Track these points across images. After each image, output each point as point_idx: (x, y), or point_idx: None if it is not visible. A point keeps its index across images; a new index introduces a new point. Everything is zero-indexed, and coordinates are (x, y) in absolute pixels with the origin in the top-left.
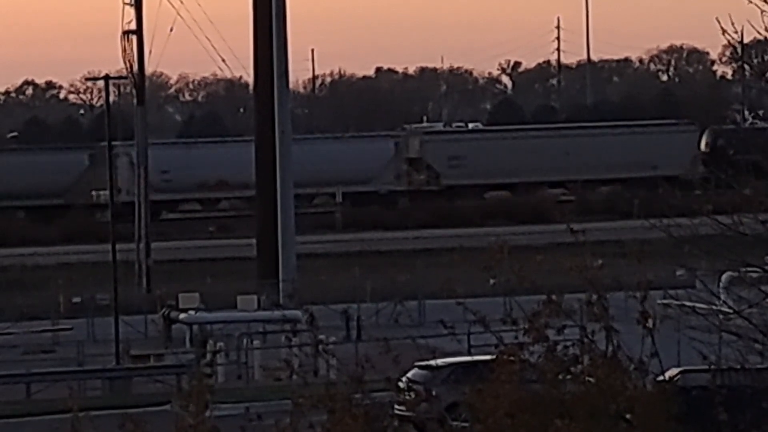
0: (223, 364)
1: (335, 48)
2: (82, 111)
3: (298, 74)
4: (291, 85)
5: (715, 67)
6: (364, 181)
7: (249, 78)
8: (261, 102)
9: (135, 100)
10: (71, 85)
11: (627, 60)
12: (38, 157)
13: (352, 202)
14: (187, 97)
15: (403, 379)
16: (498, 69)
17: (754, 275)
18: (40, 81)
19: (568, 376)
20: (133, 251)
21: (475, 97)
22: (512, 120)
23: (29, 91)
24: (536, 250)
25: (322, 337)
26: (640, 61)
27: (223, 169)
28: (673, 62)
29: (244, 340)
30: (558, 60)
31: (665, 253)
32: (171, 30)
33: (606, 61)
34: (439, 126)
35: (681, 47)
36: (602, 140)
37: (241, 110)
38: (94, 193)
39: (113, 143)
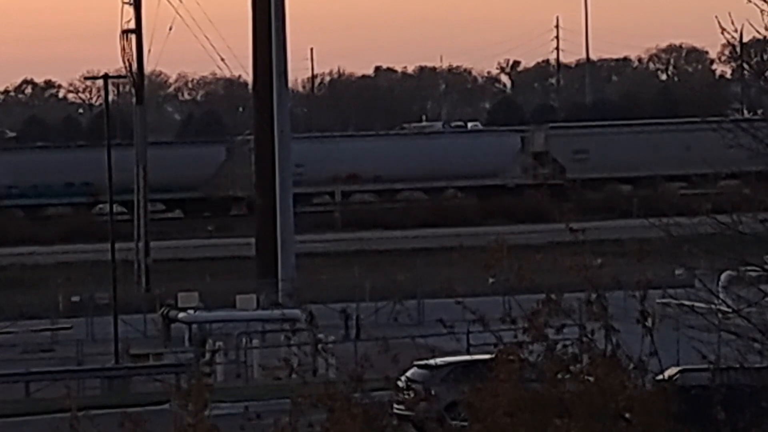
0: (222, 363)
1: (334, 47)
2: (81, 110)
3: (297, 73)
4: (290, 84)
5: (714, 66)
6: (492, 174)
7: (248, 77)
8: (260, 101)
9: (134, 99)
10: (70, 84)
11: (626, 59)
12: (177, 150)
13: (480, 195)
14: (186, 96)
15: (402, 378)
16: (497, 68)
17: (753, 274)
18: (39, 80)
19: (568, 376)
20: (132, 250)
21: (475, 96)
22: (511, 119)
23: (28, 90)
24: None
25: (321, 336)
26: (639, 60)
27: (355, 163)
28: (672, 61)
29: (243, 340)
30: (557, 59)
31: (664, 252)
32: (170, 29)
33: (605, 60)
34: (438, 125)
35: (680, 46)
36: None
37: (240, 109)
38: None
39: (249, 137)
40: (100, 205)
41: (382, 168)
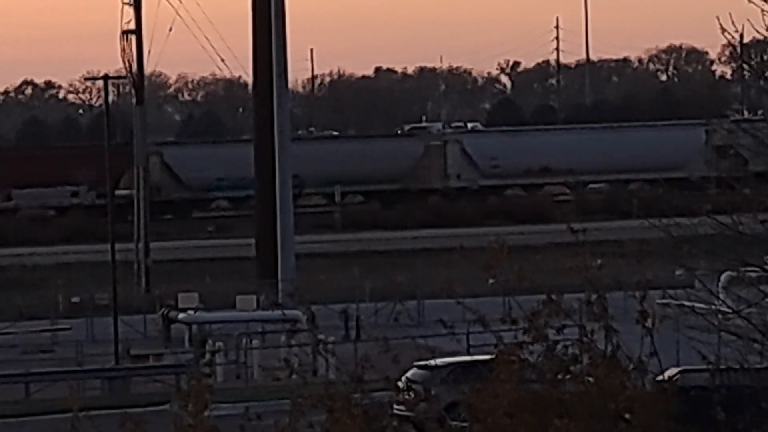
0: (222, 363)
1: (334, 48)
2: (81, 111)
3: (297, 74)
4: (290, 85)
5: (714, 67)
6: (675, 167)
7: (248, 78)
8: (260, 102)
9: (134, 100)
10: (70, 85)
11: (626, 60)
12: (378, 144)
13: (664, 187)
14: (186, 97)
15: (402, 378)
16: (497, 69)
17: (753, 275)
18: (40, 81)
19: (568, 376)
20: (132, 251)
21: (474, 96)
22: (511, 120)
23: (28, 90)
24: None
25: (321, 336)
26: (639, 60)
27: (547, 156)
28: (672, 62)
29: (243, 340)
30: (557, 60)
31: (664, 252)
32: (170, 30)
33: (605, 60)
34: (438, 126)
35: (680, 47)
36: None
37: (240, 110)
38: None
39: (446, 131)
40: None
41: (574, 161)
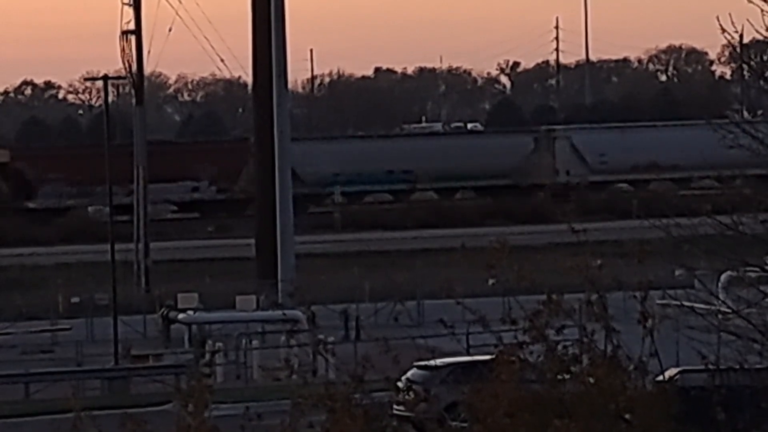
0: (221, 364)
1: (334, 48)
2: (80, 111)
3: (297, 74)
4: (290, 85)
5: (714, 67)
6: None
7: (248, 78)
8: (260, 102)
9: (134, 100)
10: (70, 85)
11: (626, 60)
12: (490, 140)
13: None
14: (186, 97)
15: (402, 379)
16: (497, 69)
17: (753, 275)
18: (39, 81)
19: (568, 376)
20: (131, 251)
21: (474, 97)
22: (511, 120)
23: (28, 91)
24: (535, 250)
25: (321, 336)
26: (639, 61)
27: (655, 152)
28: (671, 62)
29: (243, 340)
30: (557, 60)
31: (664, 252)
32: (170, 30)
33: (605, 61)
34: (438, 126)
35: (680, 47)
36: None
37: (240, 110)
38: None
39: (554, 126)
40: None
41: (680, 157)
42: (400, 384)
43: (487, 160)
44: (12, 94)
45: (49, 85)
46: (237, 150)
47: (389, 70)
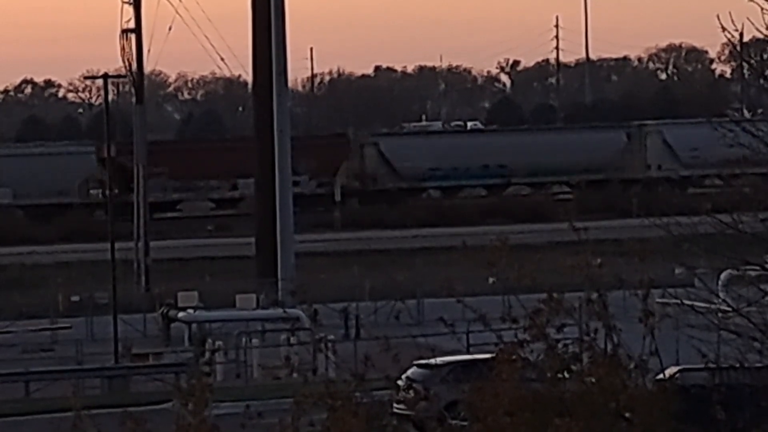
0: (221, 362)
1: (334, 47)
2: (80, 110)
3: (297, 73)
4: (290, 84)
5: (714, 66)
6: None
7: (248, 77)
8: (260, 101)
9: (134, 99)
10: (70, 84)
11: (626, 59)
12: (582, 135)
13: None
14: (186, 96)
15: (402, 377)
16: (497, 68)
17: (753, 273)
18: (39, 80)
19: (568, 375)
20: (131, 250)
21: (474, 95)
22: (511, 119)
23: (28, 89)
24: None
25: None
26: (639, 59)
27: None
28: (671, 61)
29: (243, 339)
30: (557, 59)
31: (664, 251)
32: (170, 28)
33: (605, 59)
34: (438, 125)
35: (680, 46)
36: None
37: (240, 109)
38: None
39: (646, 122)
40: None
41: None
42: (400, 382)
43: (580, 156)
44: (12, 93)
45: (49, 83)
46: (335, 145)
47: (389, 69)
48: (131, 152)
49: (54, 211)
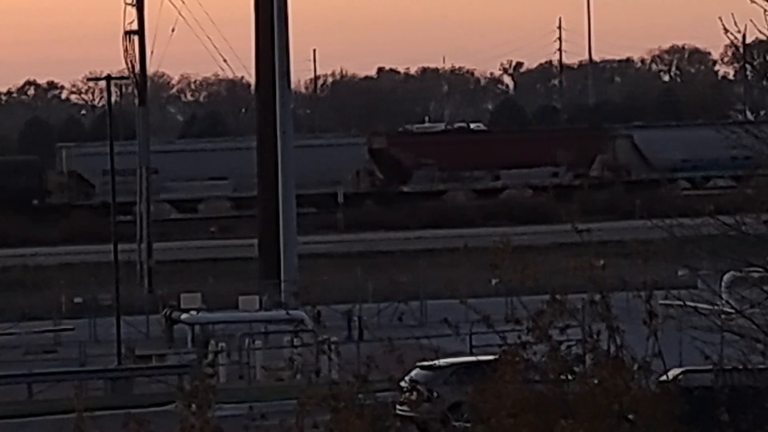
0: (224, 364)
1: (337, 48)
2: (83, 111)
3: (299, 74)
4: (293, 86)
5: (716, 67)
6: None
7: (251, 78)
8: (263, 102)
9: (137, 101)
10: (73, 86)
11: (629, 60)
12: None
13: None
14: (189, 98)
15: (406, 379)
16: (500, 69)
17: (757, 275)
18: (42, 81)
19: (571, 376)
20: (134, 252)
21: (477, 97)
22: (514, 121)
23: (31, 91)
24: (538, 250)
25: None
26: (642, 61)
27: None
28: (674, 62)
29: (246, 341)
30: (560, 60)
31: (667, 253)
32: (173, 30)
33: (608, 61)
34: (440, 126)
35: (683, 47)
36: None
37: (243, 110)
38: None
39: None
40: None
41: None
42: (403, 384)
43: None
44: (15, 95)
45: (52, 85)
46: (594, 137)
47: (392, 71)
48: (402, 144)
49: (327, 202)
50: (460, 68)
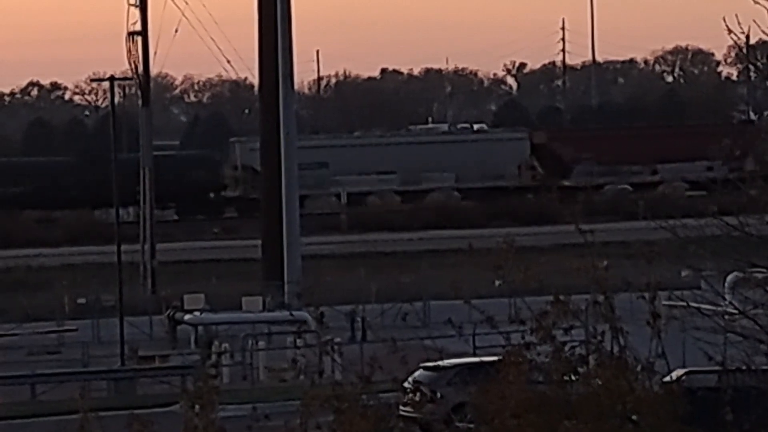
0: (228, 365)
1: (340, 49)
2: (87, 112)
3: (303, 75)
4: (296, 87)
5: (720, 68)
6: None
7: (254, 79)
8: (266, 103)
9: (140, 101)
10: (76, 86)
11: (632, 61)
12: None
13: None
14: (192, 99)
15: (409, 380)
16: (503, 70)
17: (760, 276)
18: (45, 82)
19: (575, 377)
20: (137, 252)
21: (480, 98)
22: (517, 121)
23: (34, 92)
24: (541, 251)
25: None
26: (645, 62)
27: None
28: (678, 63)
29: (249, 341)
30: (563, 61)
31: (671, 253)
32: (176, 31)
33: (611, 62)
34: (444, 127)
35: (686, 48)
36: None
37: (246, 111)
38: None
39: None
40: None
41: None
42: (407, 385)
43: None
44: (18, 95)
45: (55, 86)
46: (746, 132)
47: (395, 71)
48: (562, 139)
49: (491, 194)
50: (463, 69)
